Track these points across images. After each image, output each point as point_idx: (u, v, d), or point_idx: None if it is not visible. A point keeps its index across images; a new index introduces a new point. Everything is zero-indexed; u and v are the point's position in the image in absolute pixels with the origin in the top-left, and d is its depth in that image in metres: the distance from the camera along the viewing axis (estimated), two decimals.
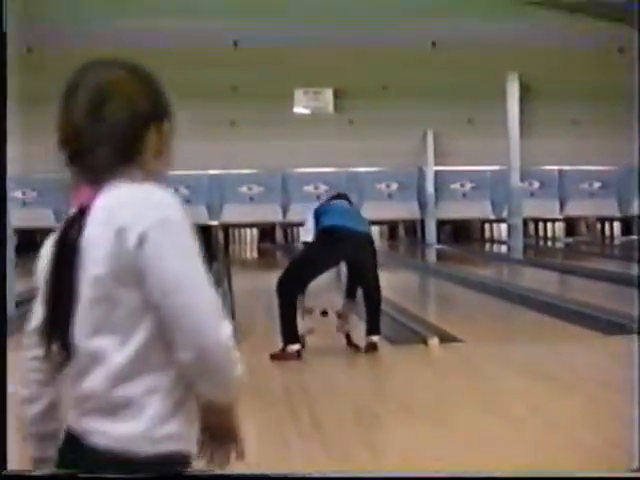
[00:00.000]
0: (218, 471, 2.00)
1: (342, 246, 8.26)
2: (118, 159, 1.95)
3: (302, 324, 8.31)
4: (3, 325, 1.58)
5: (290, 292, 8.23)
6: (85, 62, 2.05)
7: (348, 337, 8.54)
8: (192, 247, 1.91)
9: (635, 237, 26.93)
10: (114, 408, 1.86)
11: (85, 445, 1.87)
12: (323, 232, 8.33)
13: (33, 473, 1.91)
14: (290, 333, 8.14)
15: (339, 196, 9.01)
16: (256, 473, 2.06)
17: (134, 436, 1.87)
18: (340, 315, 8.61)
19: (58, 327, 1.89)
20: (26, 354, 2.08)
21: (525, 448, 5.14)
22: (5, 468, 1.75)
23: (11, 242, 11.62)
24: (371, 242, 8.57)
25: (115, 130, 1.96)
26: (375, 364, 8.26)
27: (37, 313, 2.03)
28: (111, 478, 1.82)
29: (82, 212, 1.91)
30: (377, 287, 8.52)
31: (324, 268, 8.46)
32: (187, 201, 25.61)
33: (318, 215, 8.50)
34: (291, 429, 5.68)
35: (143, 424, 1.88)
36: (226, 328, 1.92)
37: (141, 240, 1.85)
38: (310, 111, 25.04)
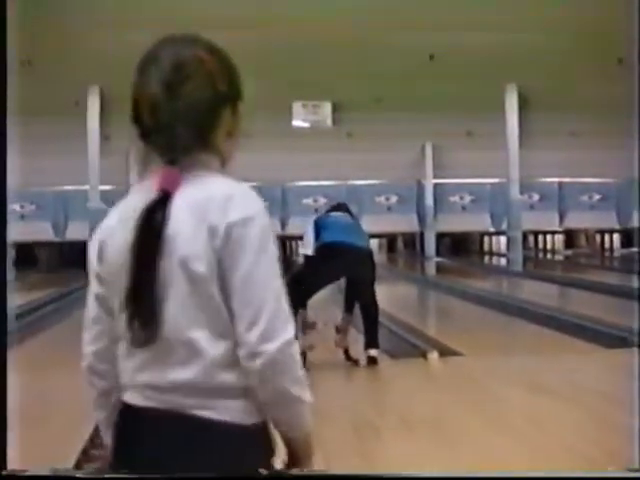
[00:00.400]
0: None
1: (343, 261, 8.25)
2: (196, 139, 1.95)
3: (303, 340, 8.28)
4: (3, 329, 1.57)
5: (295, 298, 8.20)
6: (165, 36, 2.06)
7: (347, 352, 8.52)
8: (272, 246, 2.00)
9: (635, 249, 26.95)
10: (214, 391, 1.91)
11: (192, 419, 1.90)
12: (324, 247, 8.32)
13: (33, 473, 1.91)
14: None
15: (339, 206, 9.00)
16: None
17: (240, 408, 1.93)
18: (339, 330, 8.59)
19: (141, 311, 1.89)
20: (86, 349, 2.08)
21: (525, 461, 5.13)
22: (5, 468, 1.75)
23: (9, 256, 11.61)
24: (371, 257, 8.57)
25: (194, 109, 1.95)
26: (374, 378, 8.25)
27: (91, 305, 2.06)
28: (114, 478, 1.83)
29: (164, 197, 1.90)
30: (374, 302, 8.51)
31: (324, 283, 8.46)
32: None
33: (318, 228, 8.48)
34: None
35: (243, 400, 1.93)
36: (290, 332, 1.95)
37: (227, 237, 1.89)
38: (309, 124, 25.07)
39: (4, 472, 1.73)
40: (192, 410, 1.90)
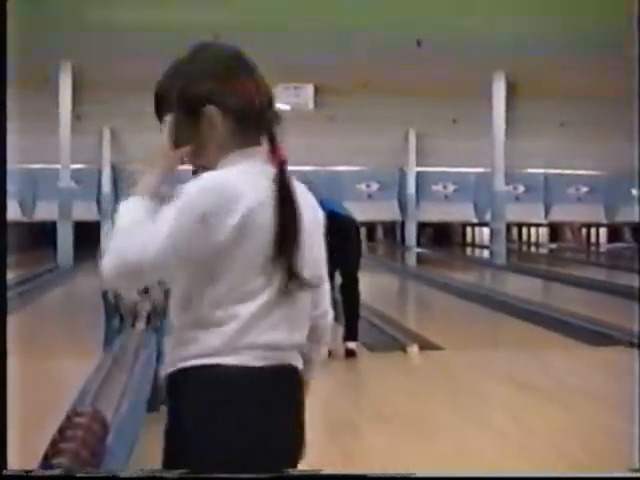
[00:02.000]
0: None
1: (334, 231, 8.24)
2: None
3: None
4: (3, 325, 1.57)
5: None
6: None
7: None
8: None
9: (622, 245, 27.10)
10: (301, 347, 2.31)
11: (294, 369, 2.28)
12: None
13: (33, 473, 1.91)
14: None
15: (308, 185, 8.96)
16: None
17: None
18: None
19: (286, 262, 2.16)
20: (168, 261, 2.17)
21: (505, 458, 5.16)
22: (5, 468, 1.76)
23: None
24: (357, 227, 8.65)
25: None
26: (352, 371, 8.27)
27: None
28: (114, 478, 1.84)
29: (282, 170, 2.22)
30: (356, 279, 8.52)
31: None
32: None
33: None
34: None
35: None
36: None
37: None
38: (290, 107, 25.03)
39: (4, 472, 1.73)
40: (292, 362, 2.24)
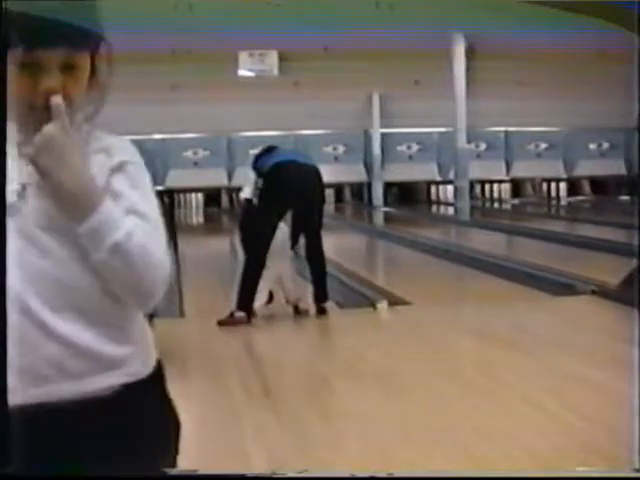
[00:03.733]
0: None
1: (294, 180, 8.18)
2: None
3: (259, 299, 8.18)
4: (3, 324, 1.53)
5: (257, 247, 8.09)
6: None
7: (296, 307, 8.41)
8: None
9: (582, 197, 27.22)
10: None
11: None
12: (273, 169, 8.23)
13: (33, 473, 1.85)
14: (245, 298, 8.02)
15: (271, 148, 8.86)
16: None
17: None
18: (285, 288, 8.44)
19: None
20: None
21: (476, 409, 5.15)
22: (5, 467, 1.70)
23: None
24: (318, 175, 8.50)
25: None
26: (324, 329, 8.25)
27: None
28: (113, 477, 1.81)
29: None
30: (320, 236, 8.44)
31: (284, 208, 8.28)
32: None
33: (261, 166, 8.38)
34: (240, 395, 5.64)
35: None
36: None
37: None
38: (255, 74, 24.85)
39: (4, 472, 1.68)
40: None
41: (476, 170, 23.55)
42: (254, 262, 8.07)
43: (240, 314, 7.99)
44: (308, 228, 8.39)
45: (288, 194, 8.20)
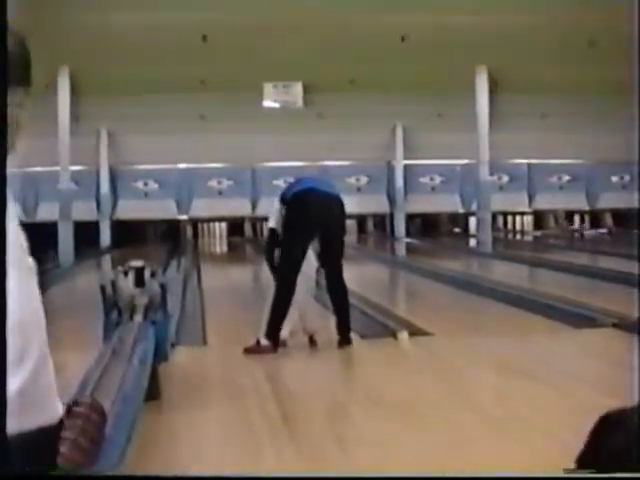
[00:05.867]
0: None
1: (315, 208, 8.20)
2: None
3: (287, 327, 8.18)
4: (2, 321, 1.55)
5: (287, 275, 8.11)
6: None
7: (312, 338, 8.40)
8: None
9: (603, 230, 27.12)
10: None
11: None
12: (295, 198, 8.27)
13: (33, 473, 1.87)
14: (274, 327, 8.04)
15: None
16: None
17: None
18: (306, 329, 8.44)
19: None
20: None
21: (495, 442, 5.13)
22: (5, 467, 1.73)
23: None
24: (341, 204, 8.49)
25: None
26: (346, 358, 8.24)
27: None
28: (114, 478, 1.80)
29: None
30: (340, 264, 8.42)
31: (308, 236, 8.28)
32: (156, 195, 25.53)
33: (285, 195, 8.42)
34: (261, 423, 5.64)
35: None
36: None
37: None
38: (279, 105, 24.97)
39: (4, 472, 1.70)
40: None
41: (498, 202, 23.52)
42: (284, 290, 8.09)
43: (266, 342, 8.00)
44: (329, 257, 8.39)
45: (309, 222, 8.23)
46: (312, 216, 8.21)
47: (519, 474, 3.99)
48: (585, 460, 2.69)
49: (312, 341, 8.36)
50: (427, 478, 2.43)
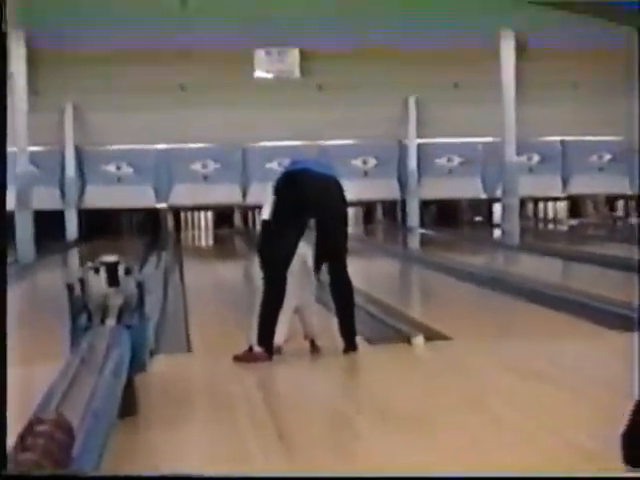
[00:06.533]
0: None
1: (309, 190, 8.21)
2: None
3: (281, 331, 8.22)
4: (3, 322, 1.60)
5: (273, 271, 8.14)
6: None
7: (313, 342, 8.44)
8: None
9: None
10: None
11: None
12: (285, 179, 8.30)
13: (33, 473, 1.94)
14: (265, 332, 8.08)
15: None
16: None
17: None
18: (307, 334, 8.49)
19: None
20: None
21: (519, 456, 5.17)
22: (5, 468, 1.79)
23: None
24: (340, 188, 8.50)
25: None
26: (352, 366, 8.27)
27: None
28: (114, 478, 1.86)
29: None
30: (343, 258, 8.45)
31: (300, 224, 8.28)
32: (131, 180, 25.55)
33: (279, 180, 8.45)
34: (252, 439, 5.68)
35: None
36: None
37: None
38: (273, 75, 24.99)
39: (4, 472, 1.76)
40: None
41: (527, 186, 23.55)
42: (273, 288, 8.12)
43: (259, 349, 8.03)
44: (329, 250, 8.41)
45: (301, 207, 8.23)
46: (305, 200, 8.22)
47: (522, 474, 4.05)
48: (629, 435, 2.88)
49: (314, 347, 8.40)
50: (430, 478, 2.52)
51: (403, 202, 26.76)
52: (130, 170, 25.47)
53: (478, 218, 28.34)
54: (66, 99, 24.36)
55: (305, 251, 8.38)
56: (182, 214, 27.07)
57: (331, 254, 8.42)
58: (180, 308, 11.43)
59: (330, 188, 8.44)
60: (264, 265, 8.28)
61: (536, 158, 26.66)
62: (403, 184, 26.56)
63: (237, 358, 8.04)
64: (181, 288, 13.49)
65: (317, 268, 8.48)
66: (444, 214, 28.10)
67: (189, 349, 8.81)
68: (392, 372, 7.76)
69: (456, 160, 26.85)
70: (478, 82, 23.39)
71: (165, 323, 10.05)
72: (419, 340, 8.80)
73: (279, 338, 8.22)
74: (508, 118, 21.21)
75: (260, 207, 8.91)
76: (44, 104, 23.04)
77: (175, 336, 9.40)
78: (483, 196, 26.94)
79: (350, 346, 8.38)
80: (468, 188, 26.69)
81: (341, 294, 8.46)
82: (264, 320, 8.10)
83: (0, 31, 1.57)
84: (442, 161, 26.81)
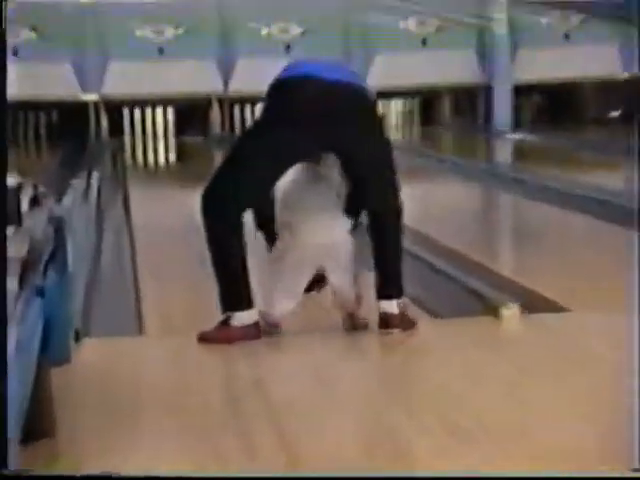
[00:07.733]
0: None
1: (305, 103, 8.34)
2: None
3: (281, 301, 8.39)
4: (3, 324, 1.86)
5: (220, 215, 8.28)
6: None
7: (352, 316, 8.55)
8: None
9: None
10: None
11: None
12: (275, 88, 8.44)
13: (33, 473, 2.23)
14: (232, 291, 8.25)
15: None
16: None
17: None
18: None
19: None
20: None
21: None
22: (5, 468, 2.08)
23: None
24: (369, 105, 8.64)
25: None
26: (400, 353, 8.39)
27: None
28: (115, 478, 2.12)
29: None
30: (393, 208, 8.56)
31: (281, 156, 8.39)
32: (36, 53, 25.49)
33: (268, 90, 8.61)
34: (235, 451, 5.80)
35: None
36: None
37: None
38: None
39: (5, 472, 2.04)
40: None
41: None
42: (213, 242, 8.32)
43: (242, 318, 8.15)
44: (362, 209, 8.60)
45: (291, 136, 8.33)
46: (298, 120, 8.31)
47: (521, 474, 4.25)
48: None
49: (353, 322, 8.48)
50: (430, 478, 2.78)
51: (487, 90, 26.83)
52: (32, 35, 25.42)
53: (614, 113, 28.36)
54: None
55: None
56: (124, 111, 27.10)
57: (362, 189, 8.54)
58: (126, 264, 11.57)
59: (344, 103, 8.47)
60: (204, 202, 8.35)
61: None
62: (487, 61, 26.61)
63: (202, 338, 8.19)
64: (126, 231, 13.54)
65: (355, 222, 8.56)
66: (556, 108, 28.17)
67: (140, 330, 8.92)
68: (469, 362, 7.85)
69: (574, 18, 26.84)
70: None
71: (100, 288, 10.19)
72: (511, 311, 8.93)
73: (278, 309, 8.37)
74: None
75: (253, 100, 9.08)
76: None
77: (116, 309, 9.52)
78: (624, 75, 26.92)
79: (386, 315, 8.46)
80: (597, 62, 26.61)
81: (383, 237, 8.54)
82: (225, 279, 8.28)
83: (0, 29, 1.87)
84: (551, 21, 26.83)
